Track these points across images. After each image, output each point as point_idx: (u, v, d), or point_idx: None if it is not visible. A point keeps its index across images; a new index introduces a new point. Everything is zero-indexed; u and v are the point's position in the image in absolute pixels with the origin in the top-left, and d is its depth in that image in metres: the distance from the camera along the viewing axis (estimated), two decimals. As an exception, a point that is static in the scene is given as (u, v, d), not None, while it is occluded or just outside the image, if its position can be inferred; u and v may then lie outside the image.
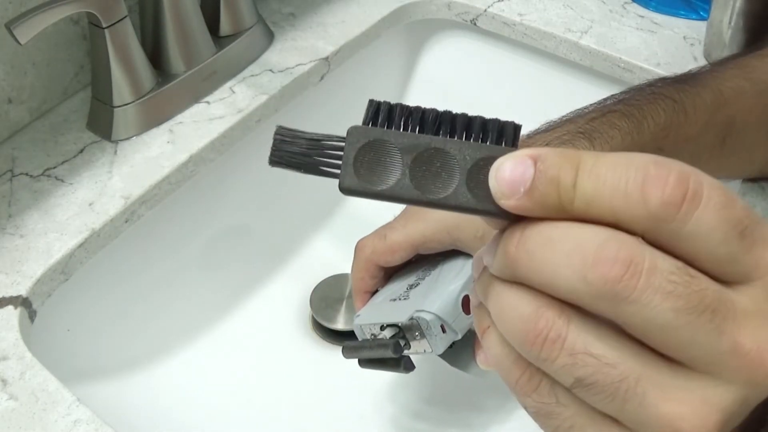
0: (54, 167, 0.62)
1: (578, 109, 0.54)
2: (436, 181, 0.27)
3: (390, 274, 0.55)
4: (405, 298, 0.49)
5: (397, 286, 0.52)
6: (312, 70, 0.73)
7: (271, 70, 0.72)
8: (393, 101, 0.28)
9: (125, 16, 0.61)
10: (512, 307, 0.27)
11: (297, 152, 0.29)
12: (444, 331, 0.46)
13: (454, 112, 0.28)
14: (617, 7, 0.79)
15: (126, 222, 0.60)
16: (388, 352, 0.46)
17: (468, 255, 0.50)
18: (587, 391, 0.27)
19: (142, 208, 0.61)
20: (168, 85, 0.66)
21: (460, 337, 0.47)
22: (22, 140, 0.64)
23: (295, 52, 0.74)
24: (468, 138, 0.28)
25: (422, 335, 0.46)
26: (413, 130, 0.28)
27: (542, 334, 0.26)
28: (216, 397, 0.64)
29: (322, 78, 0.74)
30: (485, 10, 0.79)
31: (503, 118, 0.28)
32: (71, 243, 0.57)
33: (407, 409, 0.63)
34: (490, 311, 0.29)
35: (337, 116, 0.76)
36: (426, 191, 0.28)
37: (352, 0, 0.81)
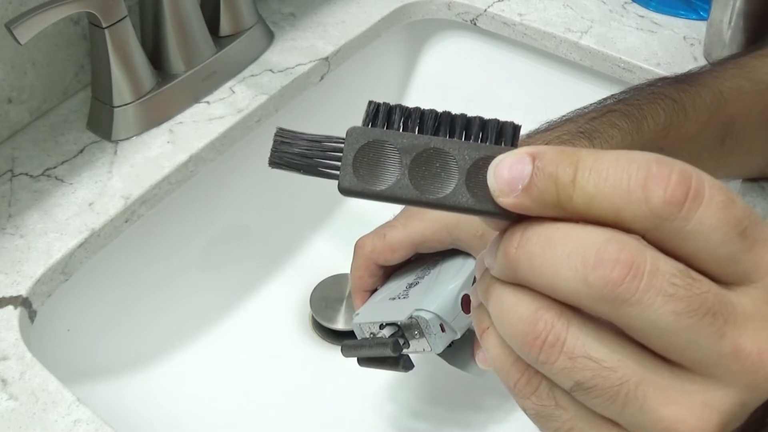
0: (54, 167, 0.62)
1: (578, 109, 0.54)
2: (435, 181, 0.27)
3: (389, 273, 0.55)
4: (404, 297, 0.49)
5: (397, 285, 0.52)
6: (312, 70, 0.73)
7: (271, 70, 0.72)
8: (393, 101, 0.28)
9: (125, 16, 0.61)
10: (512, 309, 0.27)
11: (296, 153, 0.29)
12: (443, 330, 0.46)
13: (453, 112, 0.28)
14: (617, 7, 0.79)
15: (126, 222, 0.60)
16: (387, 351, 0.46)
17: (467, 254, 0.50)
18: (587, 395, 0.26)
19: (142, 208, 0.61)
20: (168, 85, 0.66)
21: (459, 336, 0.47)
22: (22, 140, 0.64)
23: (295, 52, 0.74)
24: (467, 138, 0.28)
25: (421, 334, 0.46)
26: (412, 131, 0.28)
27: (541, 337, 0.26)
28: (216, 397, 0.64)
29: (322, 78, 0.74)
30: (485, 10, 0.79)
31: (503, 118, 0.28)
32: (71, 243, 0.57)
33: (407, 409, 0.63)
34: (489, 312, 0.28)
35: (337, 116, 0.76)
36: (425, 191, 0.28)
37: (352, 0, 0.81)
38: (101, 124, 0.65)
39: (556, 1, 0.80)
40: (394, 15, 0.80)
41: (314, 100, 0.74)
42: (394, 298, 0.50)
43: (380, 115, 0.28)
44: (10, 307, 0.53)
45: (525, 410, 0.29)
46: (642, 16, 0.78)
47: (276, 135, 0.29)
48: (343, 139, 0.28)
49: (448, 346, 0.47)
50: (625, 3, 0.80)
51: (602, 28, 0.77)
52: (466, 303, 0.47)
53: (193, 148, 0.64)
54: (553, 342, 0.26)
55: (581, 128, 0.51)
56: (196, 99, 0.69)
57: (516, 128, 0.28)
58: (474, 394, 0.63)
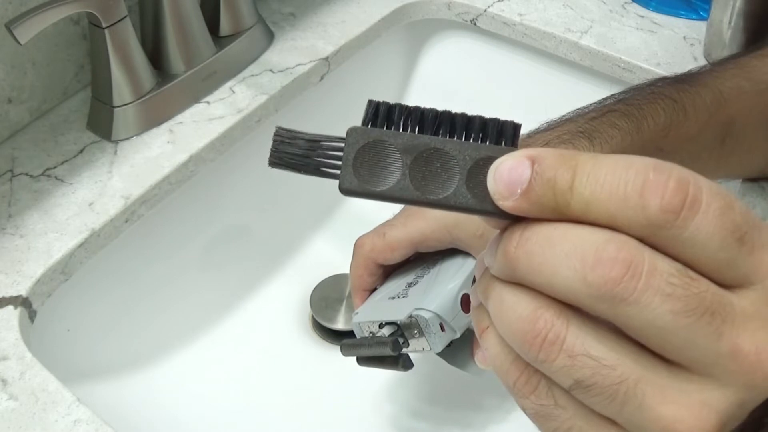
0: (54, 167, 0.62)
1: (578, 109, 0.54)
2: (436, 181, 0.27)
3: (389, 272, 0.55)
4: (404, 296, 0.49)
5: (396, 285, 0.52)
6: (312, 70, 0.73)
7: (271, 70, 0.72)
8: (393, 101, 0.28)
9: (125, 16, 0.61)
10: (511, 308, 0.27)
11: (296, 153, 0.29)
12: (443, 329, 0.46)
13: (453, 111, 0.28)
14: (617, 7, 0.79)
15: (126, 222, 0.60)
16: (386, 350, 0.46)
17: (467, 254, 0.50)
18: (586, 393, 0.26)
19: (142, 208, 0.61)
20: (168, 85, 0.66)
21: (458, 335, 0.47)
22: (22, 140, 0.64)
23: (295, 52, 0.74)
24: (468, 138, 0.28)
25: (421, 333, 0.46)
26: (413, 130, 0.28)
27: (541, 335, 0.26)
28: (216, 397, 0.64)
29: (322, 78, 0.74)
30: (485, 10, 0.79)
31: (503, 117, 0.28)
32: (71, 243, 0.57)
33: (406, 409, 0.63)
34: (489, 311, 0.29)
35: (337, 116, 0.76)
36: (426, 191, 0.28)
37: (352, 0, 0.81)
38: (101, 124, 0.65)
39: (556, 1, 0.80)
40: (394, 15, 0.80)
41: (314, 100, 0.74)
42: (393, 298, 0.50)
43: (380, 114, 0.28)
44: (10, 307, 0.53)
45: (524, 409, 0.29)
46: (642, 16, 0.78)
47: (275, 135, 0.29)
48: (343, 138, 0.28)
49: (447, 346, 0.47)
50: (625, 3, 0.80)
51: (602, 28, 0.77)
52: (465, 302, 0.47)
53: (193, 148, 0.64)
54: (552, 340, 0.26)
55: (581, 128, 0.51)
56: (196, 99, 0.69)
57: (516, 127, 0.28)
58: (474, 394, 0.63)
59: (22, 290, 0.54)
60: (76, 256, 0.57)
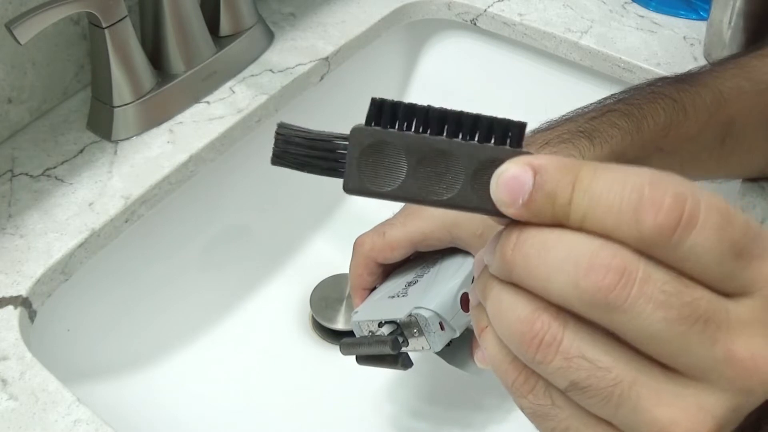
0: (54, 167, 0.62)
1: (578, 109, 0.54)
2: (441, 182, 0.28)
3: (388, 271, 0.54)
4: (403, 295, 0.49)
5: (396, 284, 0.52)
6: (312, 70, 0.73)
7: (271, 70, 0.72)
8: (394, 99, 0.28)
9: (125, 16, 0.61)
10: (509, 309, 0.27)
11: (299, 152, 0.28)
12: (442, 328, 0.46)
13: (458, 110, 0.28)
14: (617, 7, 0.79)
15: (126, 222, 0.60)
16: (386, 349, 0.46)
17: (467, 253, 0.50)
18: (582, 395, 0.27)
19: (142, 208, 0.61)
20: (168, 85, 0.66)
21: (458, 334, 0.47)
22: (22, 140, 0.64)
23: (295, 52, 0.74)
24: (472, 137, 0.28)
25: (420, 332, 0.46)
26: (417, 129, 0.28)
27: (538, 337, 0.26)
28: (216, 397, 0.64)
29: (322, 78, 0.74)
30: (485, 10, 0.79)
31: (508, 116, 0.28)
32: (71, 243, 0.57)
33: (406, 408, 0.63)
34: (487, 311, 0.29)
35: (337, 116, 0.76)
36: (430, 192, 0.28)
37: (352, 0, 0.81)
38: (101, 124, 0.65)
39: (556, 1, 0.80)
40: (394, 15, 0.80)
41: (314, 100, 0.74)
42: (393, 297, 0.50)
43: (384, 112, 0.28)
44: (10, 307, 0.53)
45: (522, 409, 0.29)
46: (642, 16, 0.78)
47: (277, 131, 0.29)
48: (347, 137, 0.28)
49: (446, 345, 0.47)
50: (625, 3, 0.80)
51: (602, 28, 0.77)
52: (465, 301, 0.47)
53: (193, 148, 0.64)
54: (549, 342, 0.26)
55: (581, 127, 0.51)
56: (196, 99, 0.69)
57: (522, 127, 0.28)
58: (473, 394, 0.63)
59: (22, 290, 0.54)
60: (76, 256, 0.57)
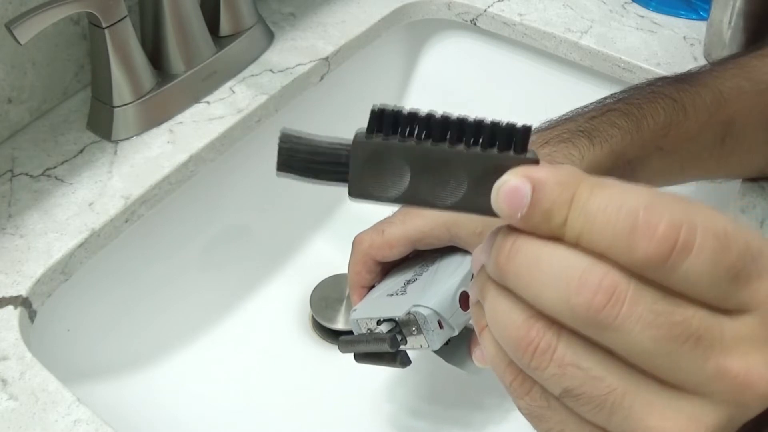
0: (54, 167, 0.62)
1: (578, 108, 0.54)
2: (446, 187, 0.28)
3: (387, 269, 0.54)
4: (402, 293, 0.49)
5: (395, 282, 0.52)
6: (312, 70, 0.73)
7: (271, 70, 0.72)
8: (393, 101, 0.28)
9: (125, 16, 0.61)
10: (506, 314, 0.28)
11: (303, 162, 0.29)
12: (441, 326, 0.46)
13: (461, 116, 0.28)
14: (617, 7, 0.79)
15: (126, 222, 0.60)
16: (384, 347, 0.46)
17: (466, 251, 0.50)
18: (575, 401, 0.27)
19: (142, 208, 0.61)
20: (168, 85, 0.66)
21: (456, 333, 0.47)
22: (22, 140, 0.64)
23: (295, 52, 0.74)
24: (476, 143, 0.28)
25: (419, 330, 0.46)
26: (419, 137, 0.28)
27: (533, 344, 0.27)
28: (216, 397, 0.64)
29: (322, 78, 0.74)
30: (485, 10, 0.79)
31: (505, 118, 0.28)
32: (71, 243, 0.57)
33: (406, 408, 0.63)
34: (485, 313, 0.29)
35: (337, 116, 0.76)
36: (435, 197, 0.28)
37: (352, 0, 0.81)
38: (101, 124, 0.65)
39: (556, 1, 0.80)
40: (394, 15, 0.80)
41: (314, 100, 0.74)
42: (391, 295, 0.50)
43: (384, 121, 0.28)
44: (10, 307, 0.53)
45: (519, 409, 0.30)
46: (642, 16, 0.78)
47: (281, 140, 0.29)
48: (349, 145, 0.28)
49: (445, 344, 0.47)
50: (625, 3, 0.80)
51: (602, 28, 0.77)
52: (464, 300, 0.47)
53: (193, 148, 0.64)
54: (544, 350, 0.27)
55: (581, 127, 0.51)
56: (196, 99, 0.69)
57: (526, 131, 0.28)
58: (473, 393, 0.63)
59: (22, 290, 0.54)
60: (76, 256, 0.57)
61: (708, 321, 0.26)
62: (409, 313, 0.46)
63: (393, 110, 0.28)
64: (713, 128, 0.54)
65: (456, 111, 0.28)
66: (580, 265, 0.26)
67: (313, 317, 0.69)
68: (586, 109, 0.53)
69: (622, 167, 0.52)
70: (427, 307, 0.46)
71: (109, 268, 0.61)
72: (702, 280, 0.25)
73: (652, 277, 0.25)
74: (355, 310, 0.52)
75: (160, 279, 0.66)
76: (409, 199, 0.28)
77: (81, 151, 0.64)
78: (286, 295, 0.71)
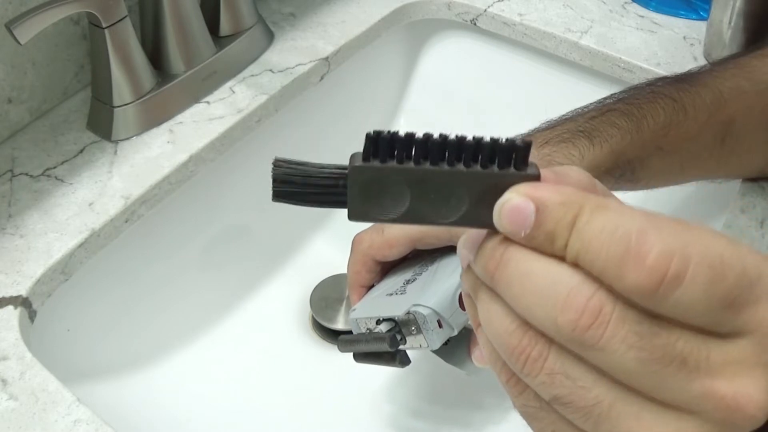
0: (54, 167, 0.62)
1: (578, 108, 0.54)
2: (447, 206, 0.28)
3: (387, 269, 0.54)
4: (402, 293, 0.49)
5: (394, 281, 0.52)
6: (312, 70, 0.73)
7: (271, 70, 0.72)
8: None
9: (125, 16, 0.61)
10: (499, 320, 0.28)
11: (299, 188, 0.28)
12: (440, 326, 0.46)
13: (459, 135, 0.28)
14: (617, 7, 0.79)
15: (126, 222, 0.60)
16: (384, 346, 0.46)
17: None
18: (564, 409, 0.27)
19: (142, 208, 0.61)
20: (168, 85, 0.66)
21: (456, 332, 0.47)
22: (22, 140, 0.64)
23: (295, 52, 0.74)
24: (475, 161, 0.28)
25: (418, 330, 0.46)
26: (417, 159, 0.28)
27: (525, 352, 0.27)
28: (216, 397, 0.64)
29: (322, 78, 0.74)
30: (485, 10, 0.79)
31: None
32: (71, 243, 0.57)
33: (406, 408, 0.63)
34: (479, 314, 0.29)
35: (337, 116, 0.76)
36: (436, 215, 0.28)
37: (352, 0, 0.81)
38: (101, 124, 0.65)
39: (556, 1, 0.80)
40: (394, 15, 0.80)
41: (314, 100, 0.74)
42: (391, 294, 0.50)
43: (380, 147, 0.28)
44: (10, 307, 0.53)
45: (515, 407, 0.30)
46: (642, 16, 0.78)
47: (274, 167, 0.29)
48: (345, 172, 0.28)
49: (444, 344, 0.47)
50: (625, 3, 0.80)
51: (602, 28, 0.77)
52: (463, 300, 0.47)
53: (193, 148, 0.64)
54: (535, 358, 0.27)
55: (581, 127, 0.52)
56: (196, 99, 0.69)
57: (526, 149, 0.28)
58: (473, 393, 0.63)
59: (22, 290, 0.54)
60: (76, 256, 0.57)
61: (694, 344, 0.26)
62: (408, 313, 0.46)
63: (389, 134, 0.28)
64: (713, 128, 0.54)
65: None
66: (569, 283, 0.26)
67: (313, 317, 0.69)
68: (586, 109, 0.53)
69: (622, 167, 0.52)
70: (427, 307, 0.46)
71: (109, 268, 0.61)
72: (694, 308, 0.25)
73: (644, 304, 0.25)
74: (354, 309, 0.52)
75: (160, 279, 0.66)
76: (410, 218, 0.28)
77: (81, 151, 0.64)
78: (286, 295, 0.71)
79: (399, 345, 0.47)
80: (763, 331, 0.26)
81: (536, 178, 0.28)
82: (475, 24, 0.80)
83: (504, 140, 0.28)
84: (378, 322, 0.48)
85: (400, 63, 0.85)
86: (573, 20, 0.77)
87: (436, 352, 0.49)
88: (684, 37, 0.75)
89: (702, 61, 0.72)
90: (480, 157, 0.28)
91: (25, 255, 0.56)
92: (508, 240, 0.27)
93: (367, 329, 0.49)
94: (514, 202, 0.27)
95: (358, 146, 0.28)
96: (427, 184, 0.28)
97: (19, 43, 0.54)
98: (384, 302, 0.50)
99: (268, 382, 0.65)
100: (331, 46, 0.75)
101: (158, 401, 0.62)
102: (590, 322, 0.25)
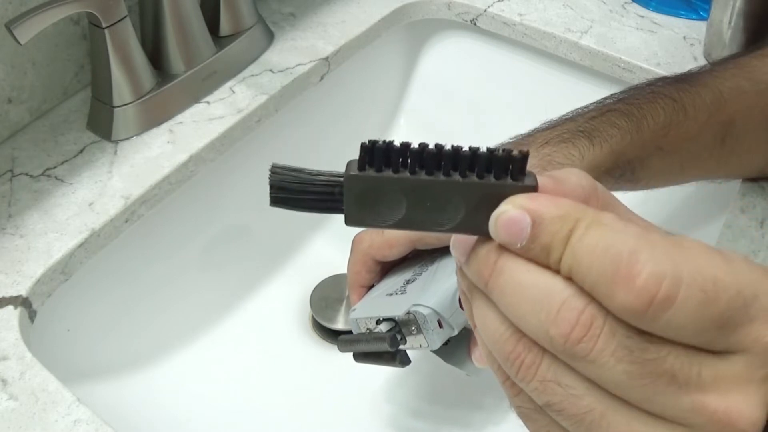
0: (54, 167, 0.62)
1: (578, 108, 0.54)
2: (443, 214, 0.28)
3: (387, 269, 0.54)
4: (402, 293, 0.49)
5: (394, 281, 0.52)
6: (312, 70, 0.73)
7: (271, 70, 0.72)
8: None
9: (125, 16, 0.61)
10: (493, 326, 0.28)
11: (296, 194, 0.29)
12: (441, 326, 0.46)
13: (455, 146, 0.28)
14: (617, 7, 0.79)
15: (126, 222, 0.60)
16: (384, 346, 0.46)
17: None
18: (556, 415, 0.28)
19: (142, 208, 0.61)
20: (168, 85, 0.66)
21: (456, 332, 0.47)
22: (22, 140, 0.64)
23: (295, 52, 0.74)
24: (471, 169, 0.28)
25: (419, 330, 0.46)
26: (413, 168, 0.28)
27: (519, 358, 0.27)
28: (216, 397, 0.64)
29: (322, 78, 0.74)
30: (485, 10, 0.79)
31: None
32: (71, 243, 0.57)
33: (406, 408, 0.63)
34: (474, 318, 0.29)
35: (337, 116, 0.76)
36: (433, 223, 0.28)
37: (352, 0, 0.81)
38: (101, 124, 0.65)
39: (556, 1, 0.80)
40: (394, 15, 0.80)
41: (314, 100, 0.74)
42: (391, 294, 0.50)
43: (376, 155, 0.28)
44: (10, 307, 0.53)
45: (513, 407, 0.30)
46: (642, 16, 0.78)
47: (271, 173, 0.29)
48: (341, 179, 0.28)
49: (444, 344, 0.47)
50: (625, 3, 0.80)
51: (602, 28, 0.77)
52: None
53: (193, 148, 0.64)
54: (529, 365, 0.27)
55: (581, 127, 0.51)
56: (196, 99, 0.69)
57: (523, 159, 0.28)
58: (473, 393, 0.63)
59: (22, 290, 0.54)
60: (76, 256, 0.57)
61: (684, 359, 0.26)
62: (408, 313, 0.46)
63: (384, 143, 0.28)
64: (713, 128, 0.54)
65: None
66: (561, 296, 0.26)
67: (313, 317, 0.69)
68: (586, 110, 0.53)
69: (622, 167, 0.52)
70: (427, 307, 0.46)
71: (109, 268, 0.61)
72: (685, 329, 0.25)
73: (634, 323, 0.25)
74: (354, 309, 0.52)
75: (160, 279, 0.66)
76: (406, 225, 0.28)
77: (81, 151, 0.64)
78: (286, 295, 0.71)
79: (399, 345, 0.47)
80: (756, 348, 0.26)
81: (533, 189, 0.28)
82: (475, 24, 0.80)
83: (501, 151, 0.27)
84: (378, 322, 0.48)
85: (400, 63, 0.85)
86: (573, 20, 0.77)
87: (436, 352, 0.49)
88: (684, 37, 0.75)
89: (702, 61, 0.72)
90: (476, 167, 0.28)
91: (25, 255, 0.56)
92: (501, 247, 0.27)
93: (367, 329, 0.49)
94: (511, 215, 0.27)
95: (358, 147, 0.28)
96: (423, 193, 0.28)
97: (19, 43, 0.54)
98: (384, 302, 0.50)
99: (268, 382, 0.65)
100: (331, 46, 0.75)
101: (158, 401, 0.62)
102: (581, 335, 0.26)
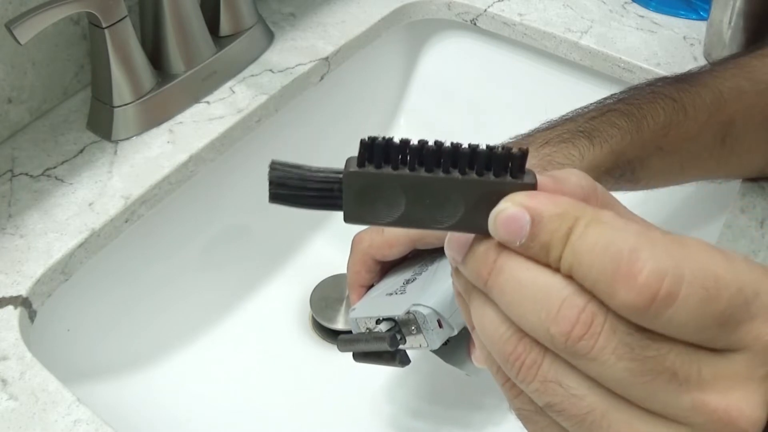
0: (54, 167, 0.62)
1: (578, 108, 0.54)
2: (442, 211, 0.28)
3: (387, 269, 0.54)
4: (402, 293, 0.49)
5: (394, 281, 0.52)
6: (312, 70, 0.73)
7: (271, 70, 0.72)
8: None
9: (125, 16, 0.61)
10: (493, 327, 0.28)
11: (295, 191, 0.29)
12: (440, 326, 0.46)
13: (455, 143, 0.28)
14: (617, 7, 0.79)
15: (126, 222, 0.60)
16: (384, 345, 0.46)
17: None
18: (557, 416, 0.28)
19: (142, 208, 0.61)
20: (168, 85, 0.66)
21: (456, 332, 0.47)
22: (22, 140, 0.64)
23: (295, 52, 0.74)
24: (471, 167, 0.28)
25: (418, 330, 0.46)
26: (412, 165, 0.28)
27: (520, 359, 0.27)
28: (216, 397, 0.64)
29: (322, 78, 0.74)
30: (485, 10, 0.79)
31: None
32: (71, 243, 0.57)
33: (406, 408, 0.63)
34: (472, 318, 0.29)
35: (337, 116, 0.76)
36: (432, 220, 0.28)
37: (352, 0, 0.81)
38: (101, 124, 0.65)
39: (556, 1, 0.80)
40: (394, 15, 0.80)
41: (314, 100, 0.74)
42: (391, 294, 0.50)
43: (375, 151, 0.28)
44: (10, 307, 0.53)
45: (512, 409, 0.30)
46: (642, 16, 0.78)
47: (271, 169, 0.29)
48: (341, 178, 0.28)
49: (444, 344, 0.47)
50: (625, 3, 0.80)
51: (602, 28, 0.77)
52: None
53: (193, 148, 0.64)
54: (530, 365, 0.27)
55: (581, 127, 0.51)
56: (196, 99, 0.69)
57: (523, 155, 0.28)
58: (473, 393, 0.63)
59: (22, 290, 0.54)
60: (76, 256, 0.57)
61: (685, 357, 0.26)
62: (408, 312, 0.46)
63: (384, 139, 0.28)
64: (713, 128, 0.54)
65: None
66: (561, 294, 0.26)
67: (313, 317, 0.69)
68: (586, 110, 0.53)
69: (622, 167, 0.52)
70: (427, 306, 0.46)
71: (109, 268, 0.61)
72: (687, 327, 0.25)
73: (635, 321, 0.25)
74: (354, 309, 0.52)
75: (160, 279, 0.66)
76: (405, 222, 0.28)
77: (81, 151, 0.64)
78: (286, 295, 0.71)
79: (399, 345, 0.47)
80: (757, 347, 0.26)
81: (532, 186, 0.28)
82: (475, 24, 0.80)
83: (500, 148, 0.27)
84: (378, 321, 0.48)
85: (400, 63, 0.85)
86: (573, 20, 0.77)
87: (435, 352, 0.49)
88: (684, 37, 0.75)
89: (702, 61, 0.72)
90: (476, 164, 0.28)
91: (25, 255, 0.56)
92: (500, 245, 0.27)
93: (367, 329, 0.49)
94: (510, 212, 0.27)
95: (358, 146, 0.28)
96: (423, 190, 0.28)
97: (19, 43, 0.54)
98: (384, 302, 0.50)
99: (268, 382, 0.65)
100: (331, 46, 0.75)
101: (158, 401, 0.62)
102: (582, 333, 0.26)
